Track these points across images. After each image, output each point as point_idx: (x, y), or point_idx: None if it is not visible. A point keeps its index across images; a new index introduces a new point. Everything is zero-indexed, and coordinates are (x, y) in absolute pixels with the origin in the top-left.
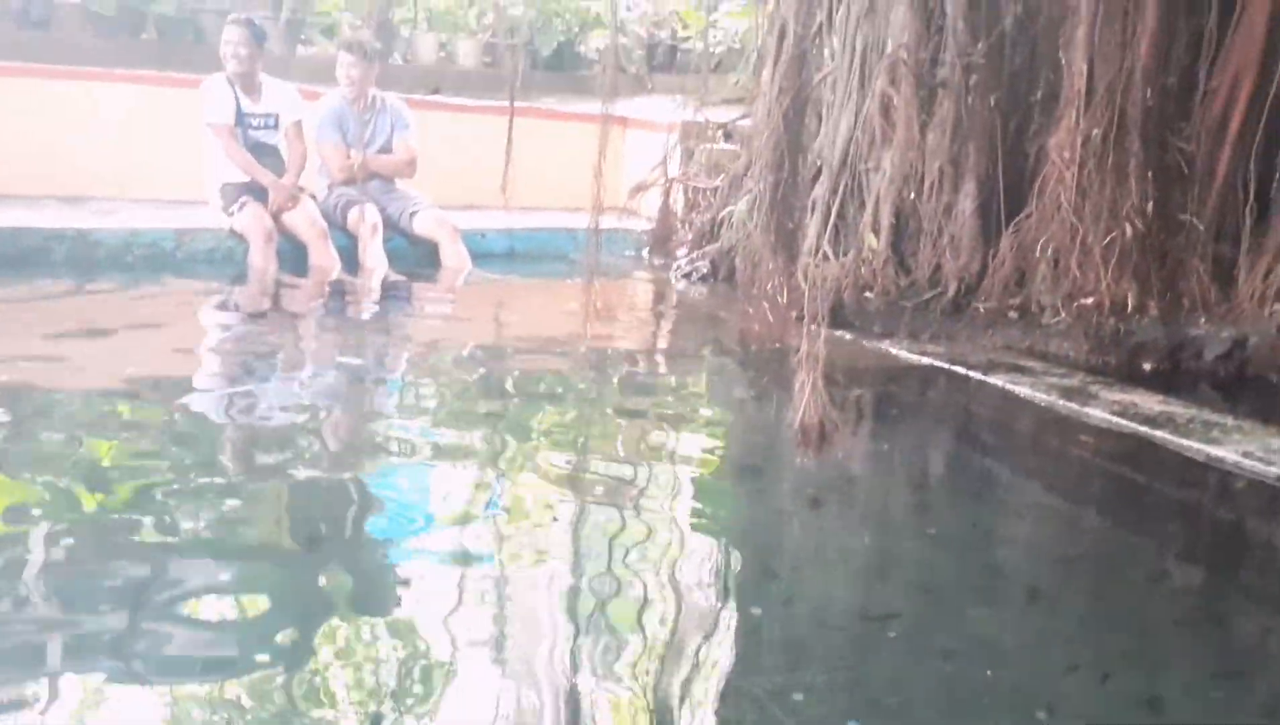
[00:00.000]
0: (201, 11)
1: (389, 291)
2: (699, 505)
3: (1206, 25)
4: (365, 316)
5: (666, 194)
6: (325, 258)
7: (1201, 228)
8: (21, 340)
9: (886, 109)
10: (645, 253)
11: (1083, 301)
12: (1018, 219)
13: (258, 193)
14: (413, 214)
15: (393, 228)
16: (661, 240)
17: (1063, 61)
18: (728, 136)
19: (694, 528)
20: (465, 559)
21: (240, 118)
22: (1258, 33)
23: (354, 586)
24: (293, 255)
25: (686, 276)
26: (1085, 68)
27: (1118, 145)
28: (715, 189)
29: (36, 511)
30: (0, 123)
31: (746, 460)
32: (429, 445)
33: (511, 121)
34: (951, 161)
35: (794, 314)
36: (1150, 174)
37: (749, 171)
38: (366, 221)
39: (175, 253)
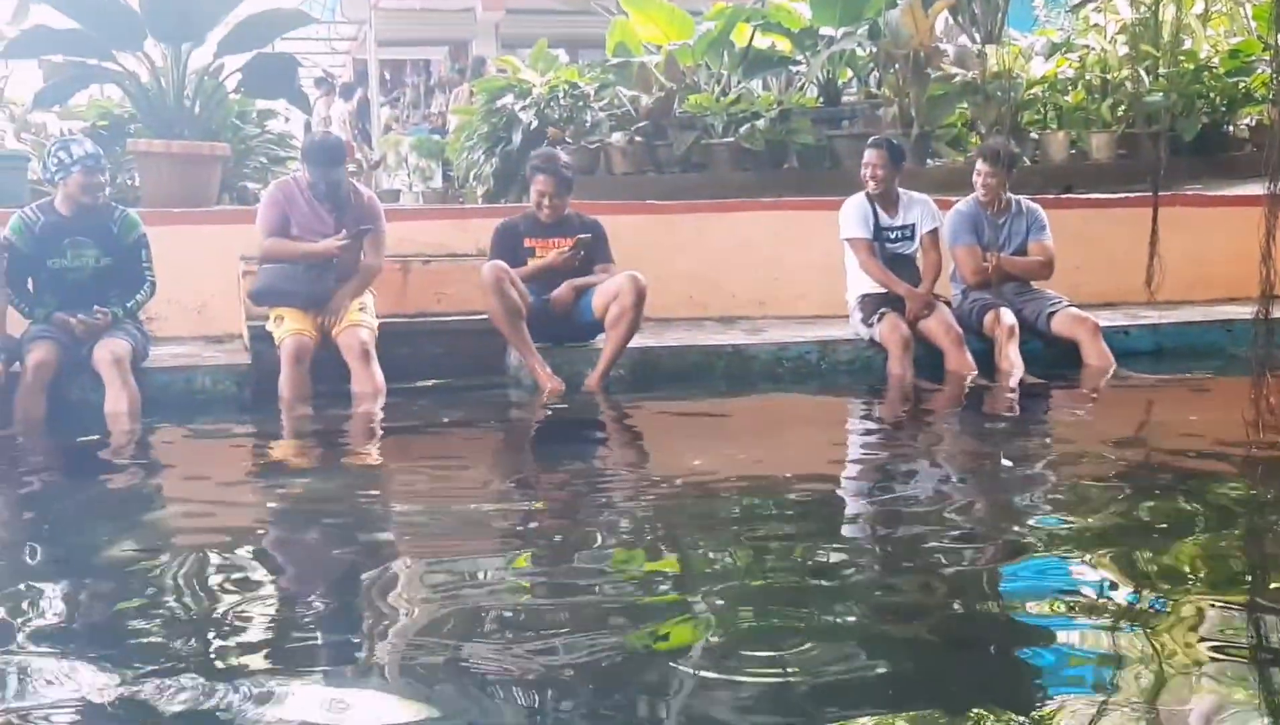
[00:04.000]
0: (837, 138)
1: (1027, 394)
2: None
3: None
4: (1003, 420)
5: None
6: (961, 363)
7: None
8: (696, 442)
9: None
10: None
11: None
12: None
13: (895, 303)
14: (1050, 314)
15: (1029, 330)
16: None
17: None
18: None
19: None
20: (1116, 660)
21: (878, 232)
22: None
23: (1003, 679)
24: (927, 361)
25: None
26: None
27: None
28: None
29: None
30: (668, 255)
31: None
32: (1071, 545)
33: (1155, 212)
34: None
35: None
36: None
37: None
38: (1002, 324)
39: (819, 364)
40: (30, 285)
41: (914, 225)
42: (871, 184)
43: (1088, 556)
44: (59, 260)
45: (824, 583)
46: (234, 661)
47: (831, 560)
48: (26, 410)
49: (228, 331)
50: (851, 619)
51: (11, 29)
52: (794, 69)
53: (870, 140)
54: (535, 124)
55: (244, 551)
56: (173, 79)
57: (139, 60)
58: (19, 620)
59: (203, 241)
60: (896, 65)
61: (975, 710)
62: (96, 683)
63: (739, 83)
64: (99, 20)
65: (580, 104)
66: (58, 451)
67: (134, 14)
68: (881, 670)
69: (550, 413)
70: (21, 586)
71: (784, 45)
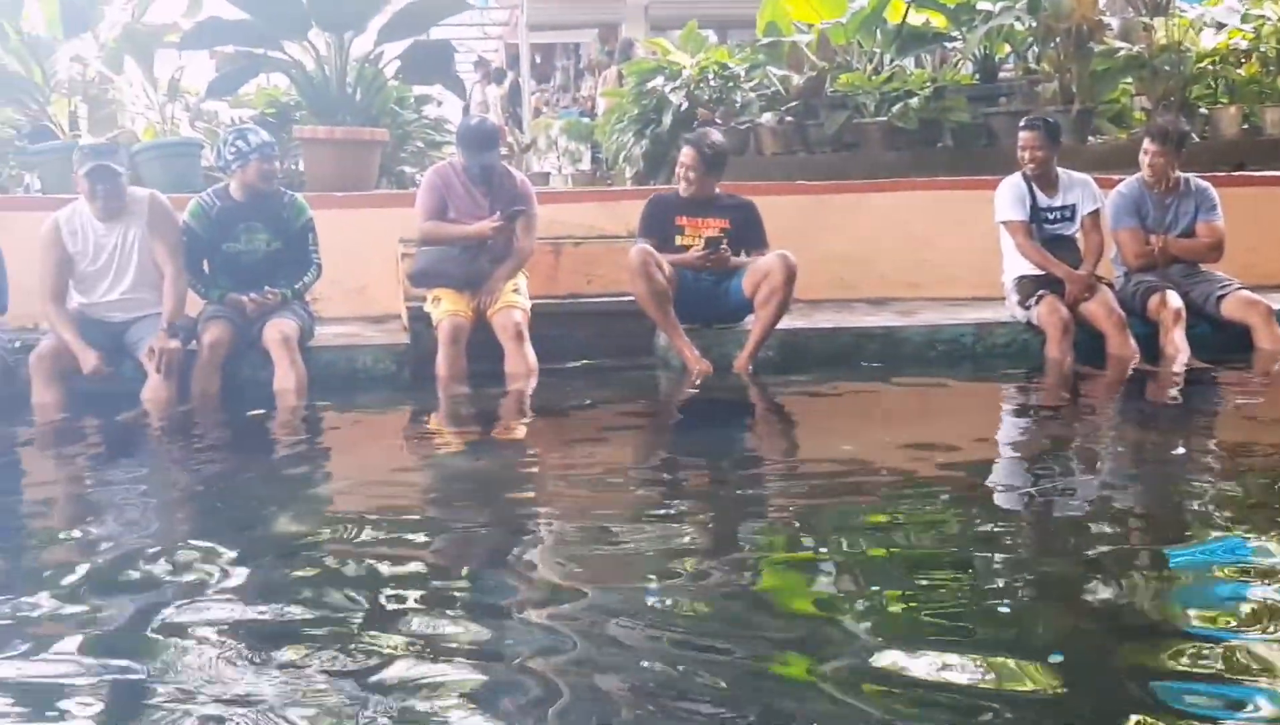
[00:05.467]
0: (994, 115)
1: (1193, 380)
2: None
3: None
4: (1168, 407)
5: None
6: (1124, 347)
7: None
8: (845, 426)
9: None
10: None
11: None
12: None
13: (1054, 285)
14: (1220, 297)
15: (1197, 313)
16: None
17: None
18: None
19: None
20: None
21: (1035, 213)
22: None
23: (1164, 688)
24: (1088, 346)
25: None
26: None
27: None
28: None
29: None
30: (818, 235)
31: None
32: (1241, 545)
33: None
34: None
35: None
36: None
37: None
38: (1169, 307)
39: (974, 348)
40: (206, 267)
41: (1074, 206)
42: (1031, 166)
43: (1259, 559)
44: (233, 244)
45: (977, 575)
46: (390, 628)
47: (984, 553)
48: (202, 386)
49: (387, 312)
50: (1004, 616)
51: (186, 21)
52: (949, 45)
53: (1024, 120)
54: (685, 105)
55: (401, 524)
56: (335, 67)
57: (304, 49)
58: (196, 585)
59: (363, 224)
60: (1057, 39)
61: (1137, 718)
62: (264, 647)
63: (892, 61)
64: (267, 11)
65: (730, 85)
66: (230, 426)
67: (300, 4)
68: (1035, 668)
69: (699, 394)
70: (197, 554)
71: (939, 21)
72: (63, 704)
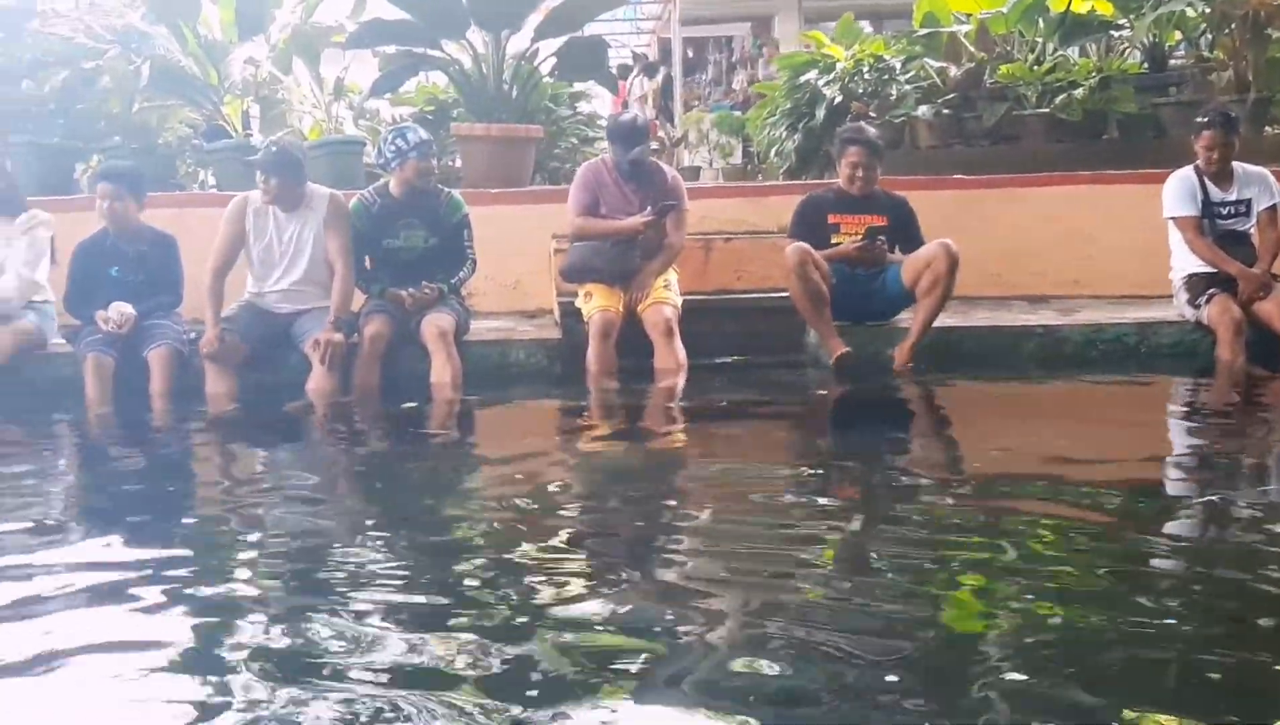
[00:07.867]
0: (1163, 106)
1: None
2: None
3: None
4: None
5: None
6: None
7: None
8: (1000, 427)
9: None
10: None
11: None
12: None
13: (1225, 283)
14: None
15: None
16: None
17: None
18: None
19: None
20: None
21: (1208, 208)
22: None
23: None
24: (1261, 347)
25: None
26: None
27: None
28: None
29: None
30: (975, 231)
31: None
32: None
33: None
34: None
35: None
36: None
37: None
38: None
39: (1138, 348)
40: (367, 263)
41: (1249, 201)
42: (1218, 165)
43: None
44: (392, 241)
45: (1135, 585)
46: (540, 617)
47: (1143, 564)
48: (363, 378)
49: (540, 307)
50: (1167, 639)
51: (351, 22)
52: (1116, 34)
53: (1204, 117)
54: (839, 99)
55: (552, 515)
56: (492, 65)
57: (462, 48)
58: (355, 569)
59: (517, 220)
60: (1232, 25)
61: None
62: (419, 631)
63: (1055, 50)
64: (428, 11)
65: (885, 77)
66: (389, 417)
67: (459, 4)
68: (1194, 681)
69: (850, 392)
70: (356, 539)
71: (1105, 9)
72: (226, 678)
